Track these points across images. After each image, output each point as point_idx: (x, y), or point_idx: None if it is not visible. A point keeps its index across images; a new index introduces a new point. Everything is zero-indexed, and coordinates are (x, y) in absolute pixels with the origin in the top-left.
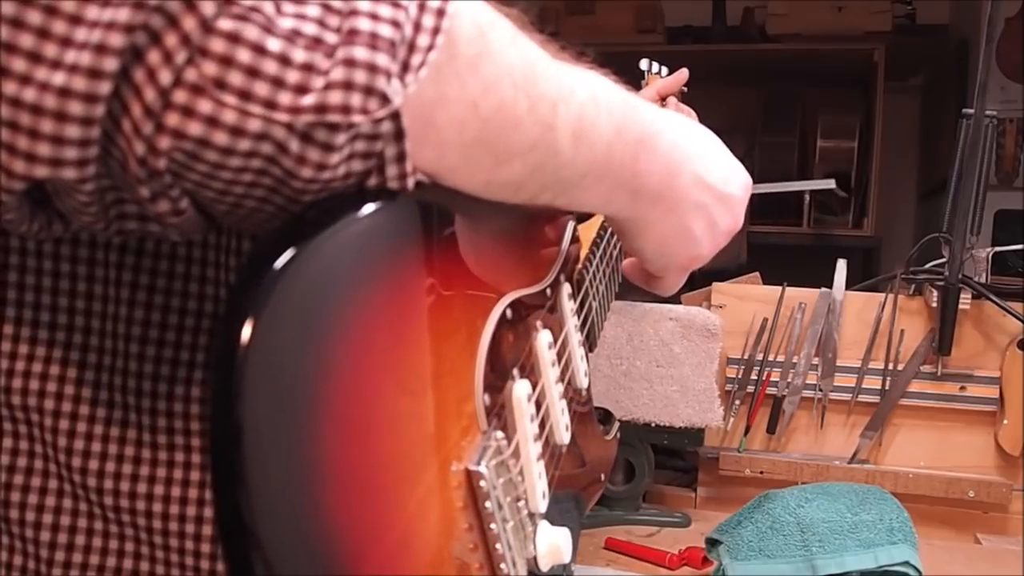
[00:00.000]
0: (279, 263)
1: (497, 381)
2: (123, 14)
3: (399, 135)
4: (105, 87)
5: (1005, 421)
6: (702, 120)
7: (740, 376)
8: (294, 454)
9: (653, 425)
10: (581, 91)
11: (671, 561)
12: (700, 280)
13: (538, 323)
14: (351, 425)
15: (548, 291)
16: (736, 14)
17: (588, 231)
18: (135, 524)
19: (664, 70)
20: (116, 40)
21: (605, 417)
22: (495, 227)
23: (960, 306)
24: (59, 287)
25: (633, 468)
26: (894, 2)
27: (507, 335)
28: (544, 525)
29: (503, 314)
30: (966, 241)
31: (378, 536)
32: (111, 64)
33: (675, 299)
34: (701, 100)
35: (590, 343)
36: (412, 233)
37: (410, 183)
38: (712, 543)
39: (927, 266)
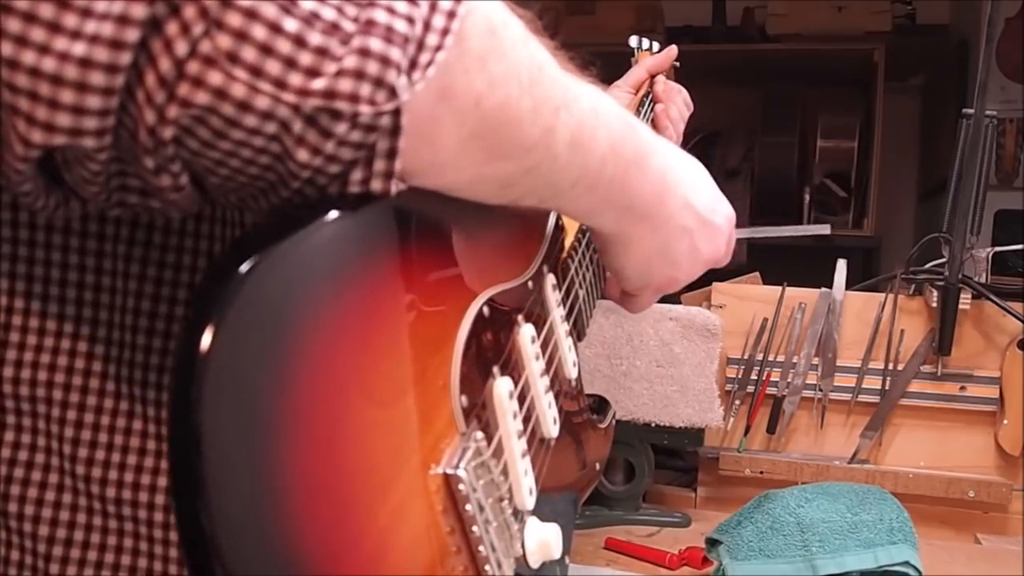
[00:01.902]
0: (244, 267)
1: (476, 381)
2: None
3: (395, 131)
4: (126, 57)
5: (1005, 421)
6: (702, 120)
7: (740, 376)
8: (256, 464)
9: (653, 425)
10: (584, 100)
11: (671, 561)
12: (700, 280)
13: (519, 317)
14: (317, 433)
15: (530, 283)
16: (736, 14)
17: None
18: (136, 518)
19: (655, 45)
20: (138, 11)
21: (600, 405)
22: (470, 224)
23: (960, 306)
24: (68, 261)
25: (633, 468)
26: (894, 2)
27: (485, 333)
28: (533, 522)
29: (479, 312)
30: (966, 241)
31: (349, 545)
32: (133, 35)
33: (675, 299)
34: (701, 100)
35: (578, 332)
36: (382, 236)
37: (394, 186)
38: (712, 543)
39: (927, 266)
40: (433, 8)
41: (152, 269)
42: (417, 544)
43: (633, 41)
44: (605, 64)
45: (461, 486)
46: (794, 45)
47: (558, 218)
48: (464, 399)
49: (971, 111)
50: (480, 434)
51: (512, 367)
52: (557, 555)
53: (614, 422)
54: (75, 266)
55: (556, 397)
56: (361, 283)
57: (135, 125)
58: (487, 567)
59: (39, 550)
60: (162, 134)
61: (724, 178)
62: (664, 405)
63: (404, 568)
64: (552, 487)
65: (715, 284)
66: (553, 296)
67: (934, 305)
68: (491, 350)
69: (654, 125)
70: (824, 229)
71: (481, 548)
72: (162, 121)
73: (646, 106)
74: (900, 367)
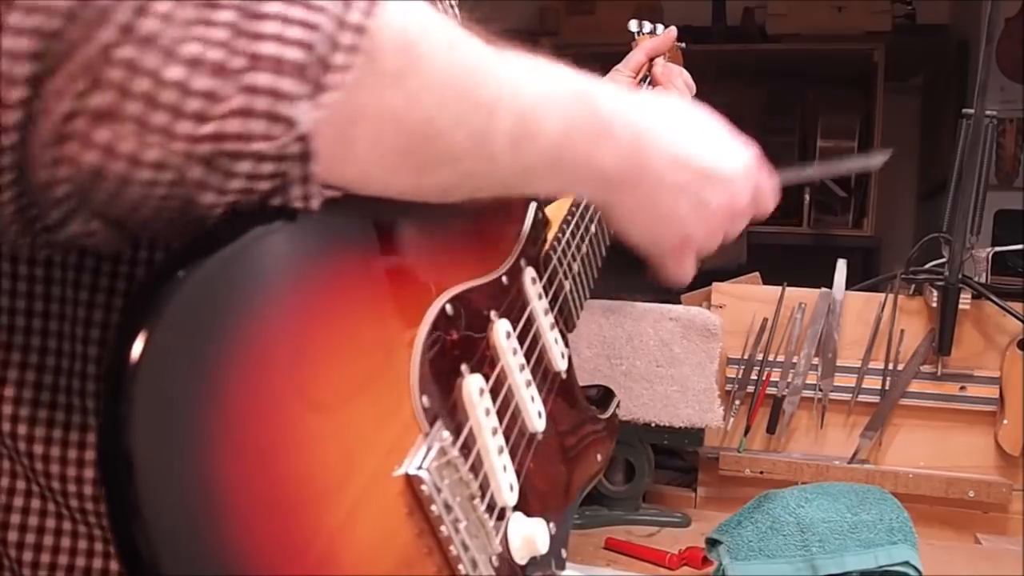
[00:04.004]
0: (181, 273)
1: (442, 380)
2: (23, 43)
3: (306, 157)
4: (13, 116)
5: (1005, 421)
6: None
7: (740, 376)
8: (192, 481)
9: (653, 425)
10: (527, 92)
11: (671, 561)
12: (700, 280)
13: (493, 313)
14: (255, 443)
15: (504, 279)
16: (736, 14)
17: (560, 210)
18: (101, 525)
19: (659, 28)
20: (19, 70)
21: (603, 396)
22: (428, 224)
23: (960, 306)
24: (16, 289)
25: (633, 468)
26: (894, 2)
27: (450, 332)
28: (517, 517)
29: (442, 311)
30: (966, 241)
31: (294, 552)
32: (17, 93)
33: (675, 299)
34: (701, 100)
35: (566, 323)
36: (330, 240)
37: (314, 204)
38: (712, 543)
39: (927, 266)
40: (341, 25)
41: (101, 296)
42: (380, 548)
43: (633, 25)
44: (605, 64)
45: (423, 487)
46: (794, 45)
47: (539, 211)
48: (425, 399)
49: (971, 111)
50: (446, 433)
51: (486, 364)
52: (543, 550)
53: (618, 411)
54: (23, 294)
55: (542, 390)
56: (305, 290)
57: (30, 181)
58: (460, 567)
59: (11, 554)
60: (55, 193)
61: None
62: (664, 405)
63: (364, 571)
64: (546, 480)
65: (715, 284)
66: (533, 290)
67: (934, 305)
68: (459, 348)
69: None
70: (879, 158)
71: (452, 548)
72: (54, 180)
73: (644, 89)
74: (900, 367)
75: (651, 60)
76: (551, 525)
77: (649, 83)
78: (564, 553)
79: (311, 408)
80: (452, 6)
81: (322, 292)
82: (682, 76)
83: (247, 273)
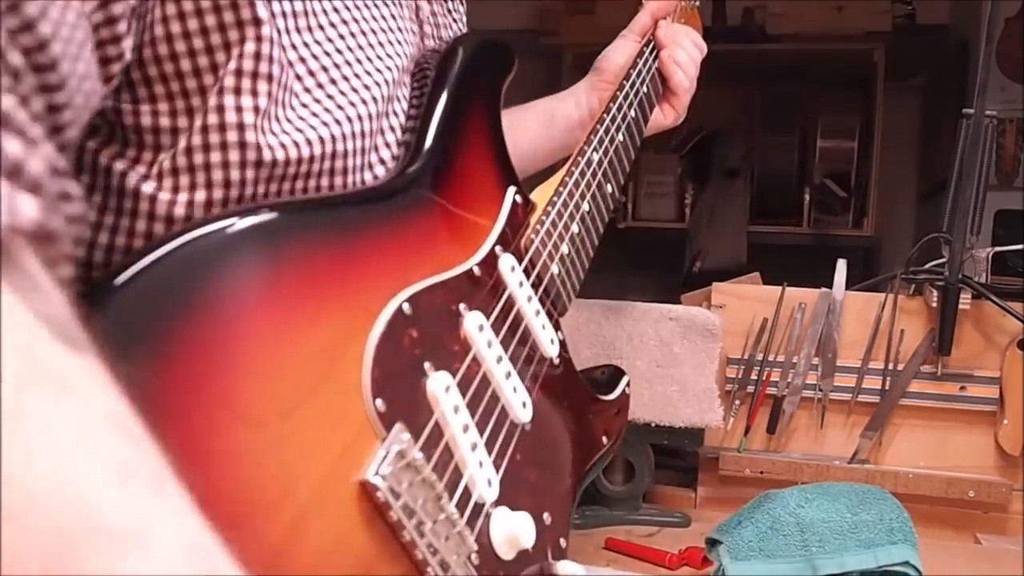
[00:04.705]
0: (119, 280)
1: (401, 381)
2: None
3: None
4: None
5: (1005, 421)
6: (702, 120)
7: (740, 376)
8: None
9: (653, 425)
10: None
11: (671, 561)
12: (700, 280)
13: (461, 307)
14: (190, 459)
15: (475, 270)
16: (736, 14)
17: (547, 192)
18: None
19: None
20: None
21: (611, 377)
22: (383, 226)
23: (960, 306)
24: None
25: (633, 468)
26: (894, 2)
27: (409, 331)
28: (500, 512)
29: (398, 311)
30: (966, 241)
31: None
32: None
33: (675, 299)
34: (701, 100)
35: (556, 307)
36: (274, 244)
37: None
38: (712, 543)
39: (927, 266)
40: None
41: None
42: (337, 555)
43: None
44: None
45: (379, 493)
46: (794, 45)
47: (519, 195)
48: (380, 403)
49: (971, 111)
50: (406, 435)
51: (456, 360)
52: (528, 544)
53: (628, 391)
54: None
55: (528, 379)
56: (243, 297)
57: None
58: (428, 570)
59: None
60: None
61: (724, 178)
62: (664, 405)
63: None
64: (538, 470)
65: (715, 284)
66: (513, 277)
67: (934, 305)
68: (421, 347)
69: (660, 73)
70: None
71: (417, 552)
72: None
73: (647, 54)
74: (900, 367)
75: (655, 22)
76: (545, 516)
77: (653, 48)
78: (564, 543)
79: (243, 420)
80: (461, 4)
81: (262, 299)
82: (689, 36)
83: (184, 278)
